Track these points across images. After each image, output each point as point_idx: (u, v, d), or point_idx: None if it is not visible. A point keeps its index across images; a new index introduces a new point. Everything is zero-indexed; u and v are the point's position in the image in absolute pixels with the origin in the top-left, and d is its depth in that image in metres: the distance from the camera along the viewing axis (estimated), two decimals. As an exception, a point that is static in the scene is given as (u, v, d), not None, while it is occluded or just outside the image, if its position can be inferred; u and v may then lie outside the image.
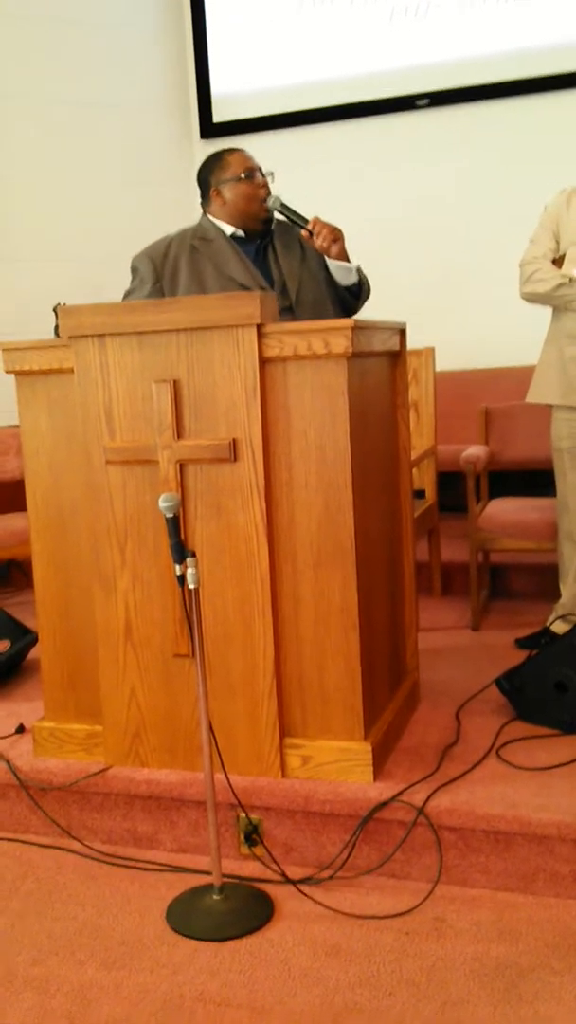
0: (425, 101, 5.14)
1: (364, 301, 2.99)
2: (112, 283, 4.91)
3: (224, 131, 5.46)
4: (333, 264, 2.85)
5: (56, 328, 2.51)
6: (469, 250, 5.06)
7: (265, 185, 2.92)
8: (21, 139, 5.08)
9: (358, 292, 2.92)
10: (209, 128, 5.52)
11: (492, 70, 5.02)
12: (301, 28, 5.34)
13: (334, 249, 2.81)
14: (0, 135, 5.03)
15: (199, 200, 3.03)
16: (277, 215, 2.92)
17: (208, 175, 2.99)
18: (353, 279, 2.88)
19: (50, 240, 5.12)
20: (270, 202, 2.88)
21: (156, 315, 2.33)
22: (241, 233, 2.96)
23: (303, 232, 2.84)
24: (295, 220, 2.85)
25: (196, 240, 2.96)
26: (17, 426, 2.61)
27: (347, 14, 5.24)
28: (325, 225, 2.80)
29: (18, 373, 2.51)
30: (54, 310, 2.52)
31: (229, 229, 2.96)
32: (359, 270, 2.92)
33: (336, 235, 2.80)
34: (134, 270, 3.01)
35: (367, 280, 2.97)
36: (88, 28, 5.17)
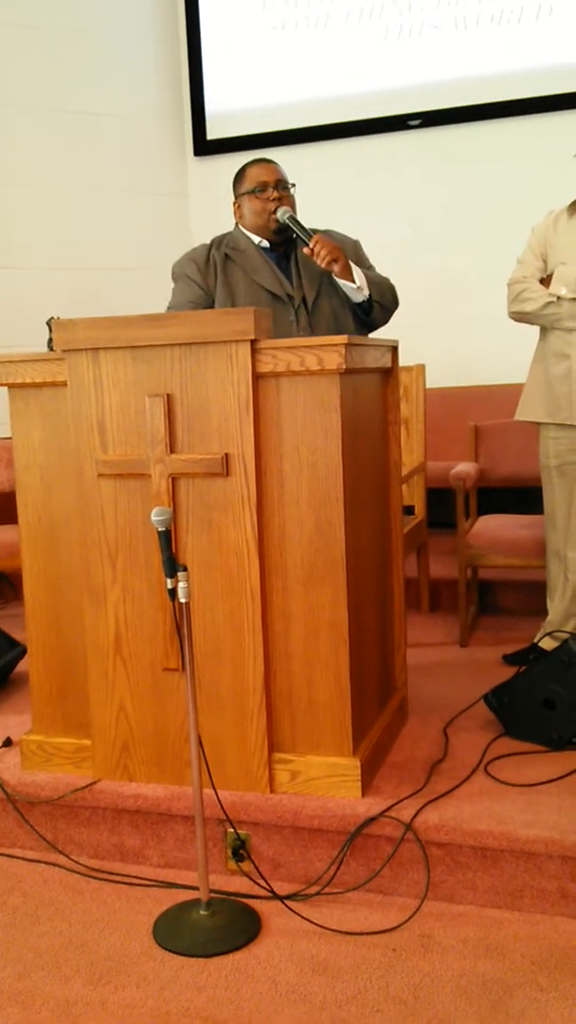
0: (417, 121, 5.19)
1: (383, 317, 3.01)
2: (107, 293, 4.95)
3: (217, 148, 5.50)
4: (340, 281, 2.89)
5: (50, 341, 2.52)
6: (459, 269, 5.11)
7: (278, 198, 2.94)
8: (18, 147, 5.10)
9: (368, 309, 2.94)
10: (203, 145, 5.56)
11: (484, 91, 5.08)
12: (295, 48, 5.39)
13: (335, 268, 2.84)
14: (-3, 143, 5.06)
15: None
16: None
17: (233, 187, 3.06)
18: (359, 298, 2.91)
19: (46, 249, 5.15)
20: (279, 215, 2.91)
21: (150, 330, 2.35)
22: (266, 243, 3.01)
23: (305, 249, 2.87)
24: (300, 235, 2.88)
25: (229, 249, 3.01)
26: (7, 438, 2.62)
27: (341, 34, 5.29)
28: (325, 244, 2.82)
29: (11, 386, 2.52)
30: (48, 324, 2.53)
31: (256, 239, 3.02)
32: (384, 287, 2.98)
33: (334, 255, 2.82)
34: (177, 276, 3.05)
35: (386, 298, 2.99)
36: (84, 40, 5.22)
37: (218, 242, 3.05)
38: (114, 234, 5.28)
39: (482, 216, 5.07)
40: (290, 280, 2.99)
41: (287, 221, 2.90)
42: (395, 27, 5.21)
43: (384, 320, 3.03)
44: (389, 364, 2.73)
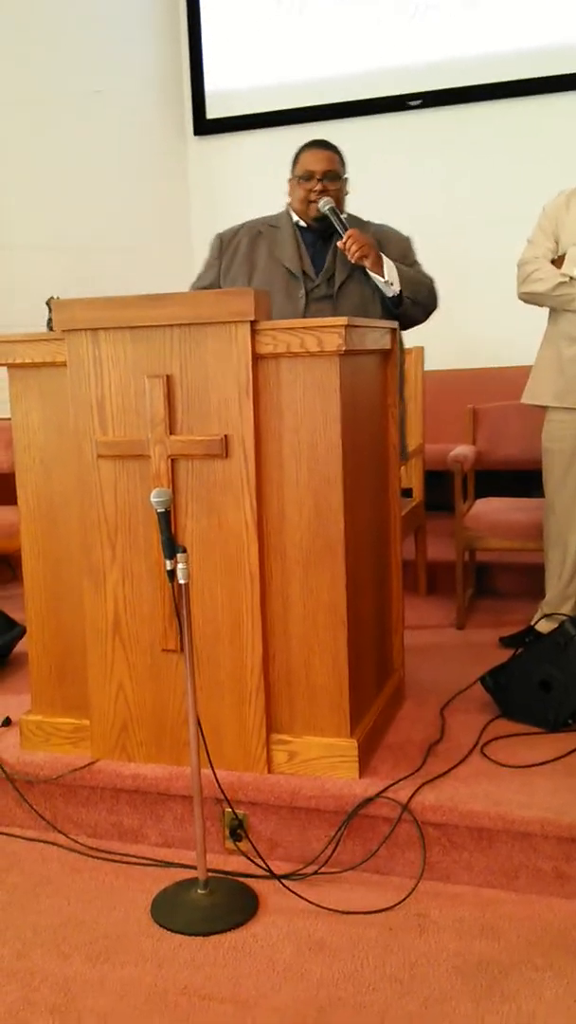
0: (417, 101, 5.16)
1: (416, 312, 3.05)
2: (103, 273, 4.93)
3: (217, 128, 5.46)
4: (372, 274, 2.96)
5: (49, 321, 2.50)
6: (459, 251, 5.07)
7: (323, 190, 3.02)
8: (14, 126, 5.06)
9: (397, 303, 2.99)
10: (203, 124, 5.52)
11: (485, 71, 5.04)
12: (295, 27, 5.34)
13: (365, 263, 2.93)
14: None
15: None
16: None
17: (291, 165, 3.13)
18: (390, 292, 2.97)
19: (43, 229, 5.11)
20: (320, 205, 3.00)
21: (150, 310, 2.34)
22: (303, 224, 3.11)
23: (339, 242, 2.96)
24: (337, 228, 2.97)
25: (264, 226, 3.14)
26: (5, 418, 2.61)
27: (341, 14, 5.25)
28: (356, 240, 2.92)
29: (10, 366, 2.51)
30: (47, 303, 2.51)
31: (295, 218, 3.12)
32: (421, 285, 3.02)
33: (364, 252, 2.91)
34: (210, 249, 3.21)
35: (421, 295, 3.03)
36: (83, 17, 5.16)
37: (255, 222, 3.17)
38: (113, 214, 5.24)
39: (483, 197, 5.05)
40: (319, 260, 3.06)
41: (327, 212, 2.98)
42: (394, 6, 5.16)
43: (418, 317, 3.08)
44: (388, 346, 2.72)
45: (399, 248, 3.10)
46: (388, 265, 2.95)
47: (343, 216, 3.06)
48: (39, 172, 5.11)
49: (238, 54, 5.46)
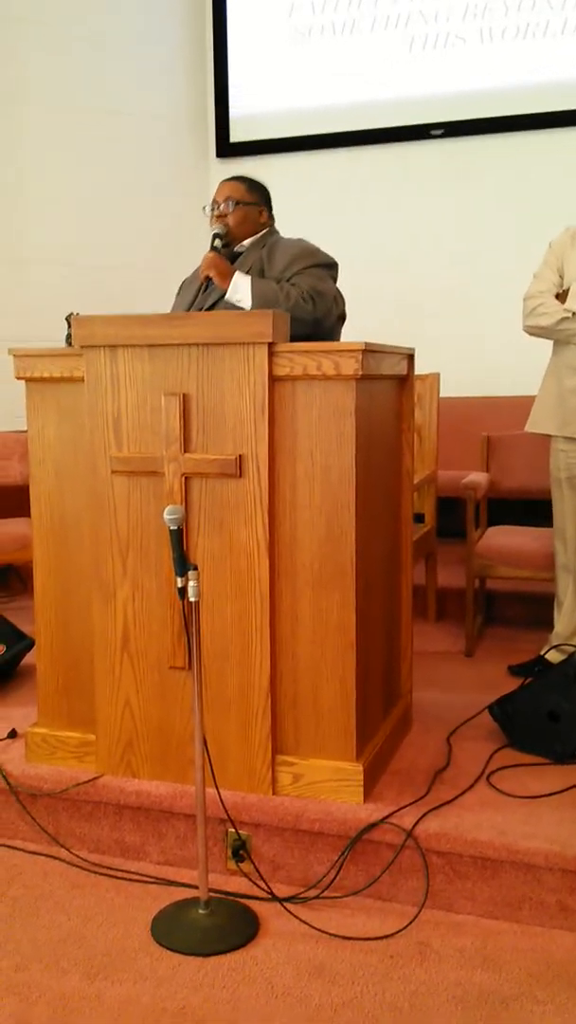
0: (439, 131, 5.20)
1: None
2: (121, 292, 4.96)
3: (240, 151, 5.51)
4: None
5: (68, 337, 2.53)
6: (476, 279, 5.11)
7: (220, 216, 3.11)
8: (42, 144, 5.12)
9: None
10: (226, 147, 5.58)
11: (506, 104, 5.08)
12: (320, 54, 5.40)
13: (215, 280, 2.97)
14: (18, 138, 5.07)
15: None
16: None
17: None
18: (244, 307, 2.91)
19: (65, 246, 5.15)
20: (212, 231, 3.11)
21: (169, 329, 2.36)
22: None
23: None
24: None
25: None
26: (20, 431, 2.63)
27: (366, 42, 5.31)
28: (204, 259, 3.00)
29: (29, 379, 2.53)
30: (67, 319, 2.54)
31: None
32: (279, 299, 2.87)
33: (207, 271, 2.97)
34: None
35: (278, 308, 2.80)
36: (111, 40, 5.23)
37: None
38: (133, 233, 5.28)
39: (500, 227, 5.07)
40: (211, 285, 3.06)
41: (213, 234, 3.09)
42: (420, 37, 5.22)
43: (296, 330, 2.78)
44: (405, 372, 2.73)
45: (285, 259, 3.03)
46: (235, 282, 2.93)
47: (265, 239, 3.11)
48: (61, 190, 5.16)
49: (263, 79, 5.52)
